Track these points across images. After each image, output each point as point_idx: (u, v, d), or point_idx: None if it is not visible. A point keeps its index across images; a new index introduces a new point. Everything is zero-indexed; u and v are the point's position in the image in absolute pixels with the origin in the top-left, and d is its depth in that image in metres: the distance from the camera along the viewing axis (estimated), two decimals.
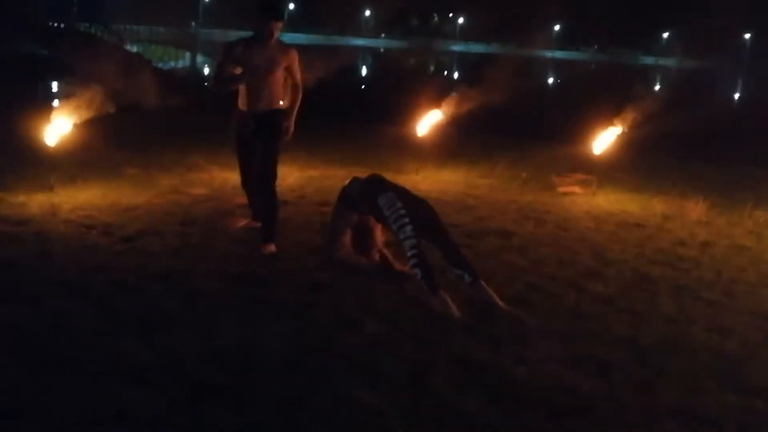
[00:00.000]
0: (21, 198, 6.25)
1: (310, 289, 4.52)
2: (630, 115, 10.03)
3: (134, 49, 18.93)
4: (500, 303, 4.45)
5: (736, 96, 36.59)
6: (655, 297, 4.82)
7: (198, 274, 4.66)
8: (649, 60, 68.09)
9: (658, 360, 3.86)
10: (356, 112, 14.06)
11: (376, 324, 4.03)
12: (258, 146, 5.28)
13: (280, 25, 5.14)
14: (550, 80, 41.69)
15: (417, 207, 4.74)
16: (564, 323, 4.27)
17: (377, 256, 5.02)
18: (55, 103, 6.75)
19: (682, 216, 7.08)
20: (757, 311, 4.67)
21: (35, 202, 6.17)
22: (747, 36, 72.19)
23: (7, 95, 9.91)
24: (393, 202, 4.65)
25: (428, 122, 9.03)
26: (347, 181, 5.10)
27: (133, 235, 5.43)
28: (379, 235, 5.05)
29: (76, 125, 7.00)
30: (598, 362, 3.78)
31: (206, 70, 23.93)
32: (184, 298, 4.25)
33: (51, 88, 6.71)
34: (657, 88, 40.78)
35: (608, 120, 9.17)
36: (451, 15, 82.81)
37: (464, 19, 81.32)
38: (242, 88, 5.26)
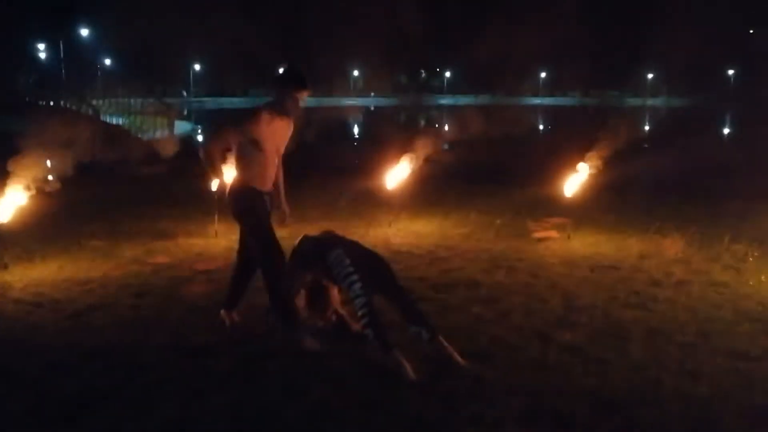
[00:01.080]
0: None
1: (259, 356, 4.28)
2: (607, 155, 9.95)
3: (117, 120, 18.94)
4: (459, 359, 4.22)
5: (725, 131, 36.69)
6: (626, 343, 4.58)
7: (143, 347, 4.44)
8: (636, 101, 68.78)
9: (624, 412, 3.62)
10: (338, 167, 13.93)
11: (323, 390, 3.79)
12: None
13: (306, 94, 4.67)
14: (540, 126, 41.93)
15: (369, 263, 4.54)
16: (526, 377, 4.04)
17: (333, 317, 4.81)
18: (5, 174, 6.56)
19: (658, 254, 6.88)
20: (733, 351, 4.43)
21: None
22: (731, 72, 73.14)
23: None
24: (341, 259, 4.45)
25: (401, 174, 8.90)
26: (297, 240, 4.92)
27: (83, 311, 5.22)
28: (336, 294, 4.84)
29: (33, 197, 6.85)
30: (559, 417, 3.55)
31: (200, 138, 24.09)
32: (123, 375, 4.02)
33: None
34: (646, 127, 41.14)
35: (583, 160, 9.07)
36: (438, 70, 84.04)
37: (451, 73, 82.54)
38: (256, 163, 4.65)
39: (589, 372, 4.12)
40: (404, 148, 10.13)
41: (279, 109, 4.65)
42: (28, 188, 6.82)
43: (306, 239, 4.83)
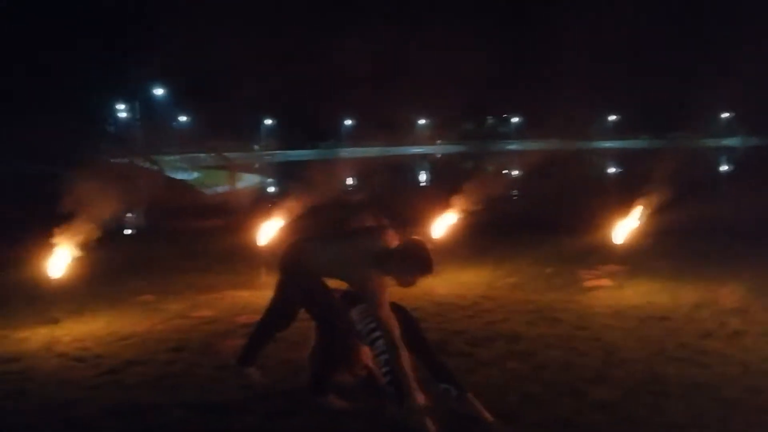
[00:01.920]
0: (24, 333, 6.24)
1: (282, 413, 4.24)
2: (670, 198, 9.63)
3: (185, 175, 19.61)
4: (487, 417, 4.09)
5: None
6: (664, 399, 4.34)
7: (168, 405, 4.45)
8: (711, 142, 66.73)
9: None
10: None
11: None
12: None
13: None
14: (606, 170, 41.08)
15: (395, 317, 4.46)
16: None
17: (363, 372, 4.73)
18: (57, 228, 6.82)
19: (714, 304, 6.53)
20: None
21: (37, 336, 6.14)
22: None
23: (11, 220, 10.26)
24: (364, 315, 4.40)
25: (448, 222, 8.83)
26: None
27: (120, 366, 5.29)
28: (366, 349, 4.76)
29: (84, 252, 7.09)
30: None
31: (270, 189, 24.62)
32: None
33: (53, 212, 6.84)
34: (722, 168, 39.80)
35: (641, 205, 8.82)
36: (505, 115, 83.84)
37: (519, 119, 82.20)
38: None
39: (619, 431, 3.90)
40: (458, 196, 10.09)
41: (393, 276, 4.34)
42: (82, 244, 7.09)
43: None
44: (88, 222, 7.10)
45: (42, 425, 4.21)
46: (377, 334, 4.30)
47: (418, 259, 4.23)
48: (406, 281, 4.34)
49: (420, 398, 3.97)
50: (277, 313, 4.87)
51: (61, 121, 17.98)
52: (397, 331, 4.10)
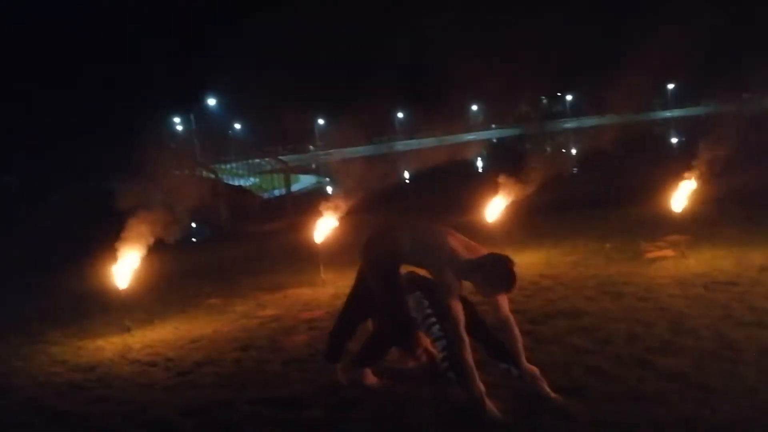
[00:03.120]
0: (99, 343, 6.50)
1: (347, 403, 4.31)
2: (735, 164, 9.35)
3: (241, 182, 19.97)
4: (551, 394, 4.07)
5: None
6: (736, 366, 4.24)
7: (239, 402, 4.56)
8: None
9: None
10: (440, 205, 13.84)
11: None
12: None
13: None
14: (667, 140, 40.03)
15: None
16: (619, 409, 3.81)
17: (423, 356, 4.76)
18: (123, 240, 7.05)
19: None
20: None
21: (110, 345, 6.38)
22: None
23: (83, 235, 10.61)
24: (420, 302, 4.43)
25: (502, 206, 8.77)
26: None
27: (191, 368, 5.46)
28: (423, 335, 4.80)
29: (151, 261, 7.31)
30: None
31: (329, 189, 24.87)
32: (212, 431, 4.16)
33: (120, 225, 7.09)
34: None
35: (702, 173, 8.58)
36: (559, 94, 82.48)
37: (573, 97, 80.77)
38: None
39: (690, 400, 3.83)
40: (514, 179, 10.00)
41: (475, 285, 4.23)
42: (148, 253, 7.31)
43: None
44: (154, 232, 7.31)
45: (125, 427, 4.37)
46: (433, 320, 4.33)
47: (502, 277, 4.07)
48: (486, 292, 4.20)
49: (479, 387, 3.98)
50: (358, 305, 4.86)
51: (123, 137, 18.55)
52: (462, 324, 4.09)
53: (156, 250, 7.43)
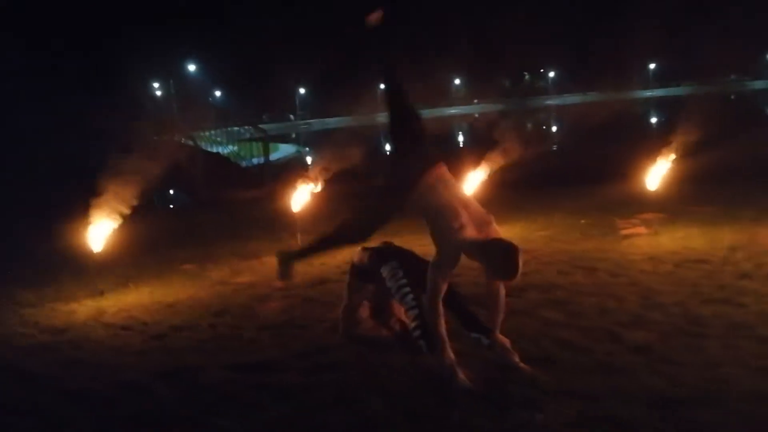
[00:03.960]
0: (72, 305, 6.48)
1: (320, 369, 4.35)
2: (710, 143, 9.45)
3: (221, 149, 19.81)
4: (520, 364, 4.13)
5: None
6: (701, 340, 4.33)
7: (213, 366, 4.59)
8: (759, 84, 64.67)
9: (687, 413, 3.42)
10: None
11: (375, 401, 3.80)
12: None
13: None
14: (647, 119, 40.33)
15: (424, 273, 4.51)
16: (587, 380, 3.88)
17: (397, 326, 4.81)
18: (101, 204, 6.98)
19: (752, 245, 6.46)
20: None
21: (84, 308, 6.36)
22: None
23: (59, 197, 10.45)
24: (395, 271, 4.47)
25: (478, 180, 8.81)
26: (357, 253, 4.96)
27: (165, 332, 5.47)
28: (397, 304, 4.84)
29: (128, 226, 7.28)
30: (614, 421, 3.40)
31: (308, 160, 24.76)
32: (189, 393, 4.18)
33: (98, 188, 7.00)
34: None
35: (676, 152, 8.66)
36: (542, 71, 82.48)
37: (556, 73, 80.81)
38: None
39: (656, 372, 3.92)
40: (494, 154, 10.03)
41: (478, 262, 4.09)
42: (126, 218, 7.26)
43: (363, 252, 4.87)
44: (131, 197, 7.27)
45: (96, 389, 4.37)
46: (407, 290, 4.37)
47: (505, 266, 3.90)
48: (487, 275, 4.07)
49: (450, 356, 4.03)
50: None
51: (101, 101, 18.31)
52: (440, 297, 4.08)
53: (132, 214, 7.38)
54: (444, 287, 4.10)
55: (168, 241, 9.29)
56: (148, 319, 5.88)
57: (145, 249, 8.67)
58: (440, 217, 4.11)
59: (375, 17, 4.52)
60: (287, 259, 4.98)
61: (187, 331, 5.47)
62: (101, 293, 6.73)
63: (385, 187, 4.78)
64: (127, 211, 7.19)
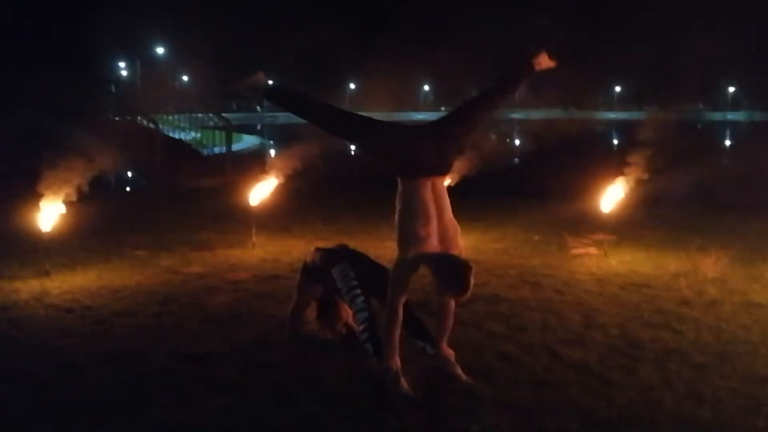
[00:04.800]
0: (15, 284, 6.34)
1: (260, 365, 4.35)
2: (666, 169, 9.64)
3: (183, 135, 19.55)
4: (461, 375, 4.19)
5: None
6: (637, 363, 4.44)
7: (154, 354, 4.56)
8: (716, 115, 66.40)
9: None
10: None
11: (313, 402, 3.82)
12: None
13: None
14: (607, 140, 41.06)
15: (376, 276, 4.55)
16: (523, 394, 3.96)
17: (343, 330, 4.84)
18: (54, 182, 6.83)
19: (695, 273, 6.63)
20: (749, 374, 4.24)
21: (27, 287, 6.24)
22: None
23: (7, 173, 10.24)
24: (346, 272, 4.50)
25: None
26: (310, 253, 4.98)
27: (108, 317, 5.41)
28: (347, 308, 4.87)
29: (80, 206, 7.16)
30: None
31: (272, 152, 24.56)
32: (127, 380, 4.15)
33: (51, 165, 6.85)
34: (727, 143, 39.79)
35: (633, 174, 8.83)
36: None
37: (525, 87, 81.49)
38: None
39: (590, 391, 4.01)
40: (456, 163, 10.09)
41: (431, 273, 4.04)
42: (79, 198, 7.13)
43: (316, 252, 4.89)
44: (85, 176, 7.13)
45: (34, 369, 4.31)
46: (358, 291, 4.41)
47: (455, 282, 3.90)
48: (437, 289, 4.03)
49: (396, 363, 4.06)
50: None
51: (62, 76, 17.94)
52: (401, 301, 4.07)
53: (85, 195, 7.25)
54: (405, 290, 4.10)
55: (121, 224, 9.17)
56: (92, 303, 5.80)
57: (97, 231, 8.54)
58: (411, 219, 4.07)
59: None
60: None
61: (131, 318, 5.42)
62: (47, 274, 6.61)
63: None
64: (80, 190, 7.07)
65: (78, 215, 7.63)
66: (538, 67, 4.57)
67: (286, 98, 4.59)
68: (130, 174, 15.44)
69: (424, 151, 4.11)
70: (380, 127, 4.36)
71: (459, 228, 4.25)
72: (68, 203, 6.94)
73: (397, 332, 4.10)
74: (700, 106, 67.06)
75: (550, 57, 4.58)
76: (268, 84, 4.60)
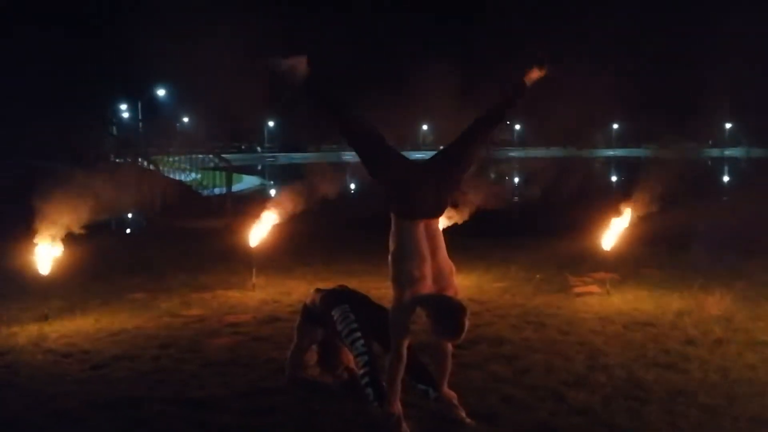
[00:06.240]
0: (13, 329, 6.28)
1: (261, 412, 4.28)
2: (667, 207, 9.62)
3: (184, 176, 19.62)
4: (465, 419, 4.13)
5: None
6: (642, 406, 4.36)
7: (152, 399, 4.48)
8: (714, 152, 66.68)
9: None
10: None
11: None
12: None
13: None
14: (608, 178, 41.16)
15: (377, 319, 4.48)
16: None
17: (345, 374, 4.76)
18: (54, 224, 6.80)
19: (699, 312, 6.56)
20: (758, 417, 4.17)
21: (26, 332, 6.17)
22: None
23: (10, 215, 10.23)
24: (346, 315, 4.45)
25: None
26: (310, 294, 4.93)
27: (107, 362, 5.34)
28: (348, 351, 4.80)
29: (80, 249, 7.13)
30: None
31: (272, 192, 24.59)
32: (123, 427, 4.09)
33: (51, 208, 6.83)
34: (723, 178, 39.92)
35: (634, 213, 8.82)
36: (508, 123, 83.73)
37: (521, 126, 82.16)
38: None
39: None
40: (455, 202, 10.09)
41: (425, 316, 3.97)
42: (79, 241, 7.10)
43: (316, 293, 4.85)
44: (85, 218, 7.12)
45: (29, 417, 4.25)
46: (358, 335, 4.35)
47: (450, 325, 3.83)
48: (432, 331, 3.93)
49: (398, 408, 4.00)
50: None
51: (64, 117, 18.07)
52: (405, 344, 4.02)
53: (84, 237, 7.23)
54: (407, 334, 4.03)
55: (120, 267, 9.12)
56: (91, 347, 5.74)
57: (95, 274, 8.50)
58: (405, 260, 4.02)
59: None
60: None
61: (129, 362, 5.35)
62: (45, 318, 6.54)
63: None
64: (79, 232, 7.05)
65: (77, 257, 7.62)
66: (530, 83, 4.40)
67: (326, 95, 4.31)
68: (130, 215, 15.42)
69: (426, 195, 4.09)
70: (394, 161, 4.24)
71: (454, 267, 4.19)
72: (67, 245, 6.93)
73: (400, 376, 4.03)
74: (710, 143, 67.57)
75: (540, 67, 4.39)
76: (309, 73, 4.26)
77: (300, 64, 4.21)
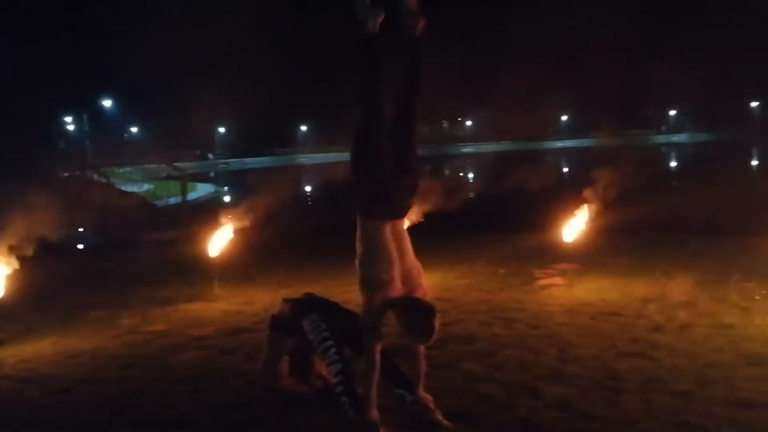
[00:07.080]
0: None
1: (238, 426, 4.17)
2: (621, 196, 9.76)
3: (135, 188, 19.25)
4: (443, 422, 4.07)
5: (748, 165, 36.02)
6: (618, 395, 4.38)
7: (118, 424, 4.33)
8: (660, 139, 68.12)
9: None
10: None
11: None
12: None
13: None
14: (559, 169, 41.69)
15: (348, 326, 4.42)
16: None
17: (318, 382, 4.68)
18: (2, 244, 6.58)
19: (663, 298, 6.66)
20: (730, 399, 4.21)
21: None
22: (754, 104, 71.68)
23: None
24: (316, 324, 4.37)
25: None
26: (278, 305, 4.84)
27: (69, 385, 5.15)
28: (319, 359, 4.72)
29: (32, 268, 6.90)
30: None
31: (226, 199, 24.30)
32: None
33: None
34: (670, 164, 40.82)
35: (591, 203, 8.92)
36: (459, 119, 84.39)
37: (473, 122, 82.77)
38: None
39: (575, 429, 3.93)
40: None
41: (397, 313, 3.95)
42: (30, 260, 6.87)
43: (284, 303, 4.75)
44: (36, 237, 6.90)
45: None
46: (330, 343, 4.28)
47: (420, 327, 3.82)
48: (403, 333, 3.93)
49: (374, 414, 3.94)
50: None
51: (7, 134, 17.56)
52: (378, 350, 3.97)
53: (37, 255, 7.00)
54: (379, 338, 3.99)
55: (76, 284, 8.87)
56: (50, 371, 5.54)
57: (51, 294, 8.24)
58: (374, 264, 3.97)
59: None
60: None
61: (92, 385, 5.16)
62: (1, 342, 6.31)
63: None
64: (30, 251, 6.82)
65: (30, 277, 7.36)
66: (415, 29, 4.08)
67: (376, 56, 4.04)
68: (82, 231, 15.03)
69: (401, 198, 4.07)
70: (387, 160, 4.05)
71: (422, 268, 4.15)
72: (19, 265, 6.69)
73: (375, 381, 3.97)
74: (663, 128, 68.96)
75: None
76: (376, 29, 4.04)
77: (377, 16, 4.03)
